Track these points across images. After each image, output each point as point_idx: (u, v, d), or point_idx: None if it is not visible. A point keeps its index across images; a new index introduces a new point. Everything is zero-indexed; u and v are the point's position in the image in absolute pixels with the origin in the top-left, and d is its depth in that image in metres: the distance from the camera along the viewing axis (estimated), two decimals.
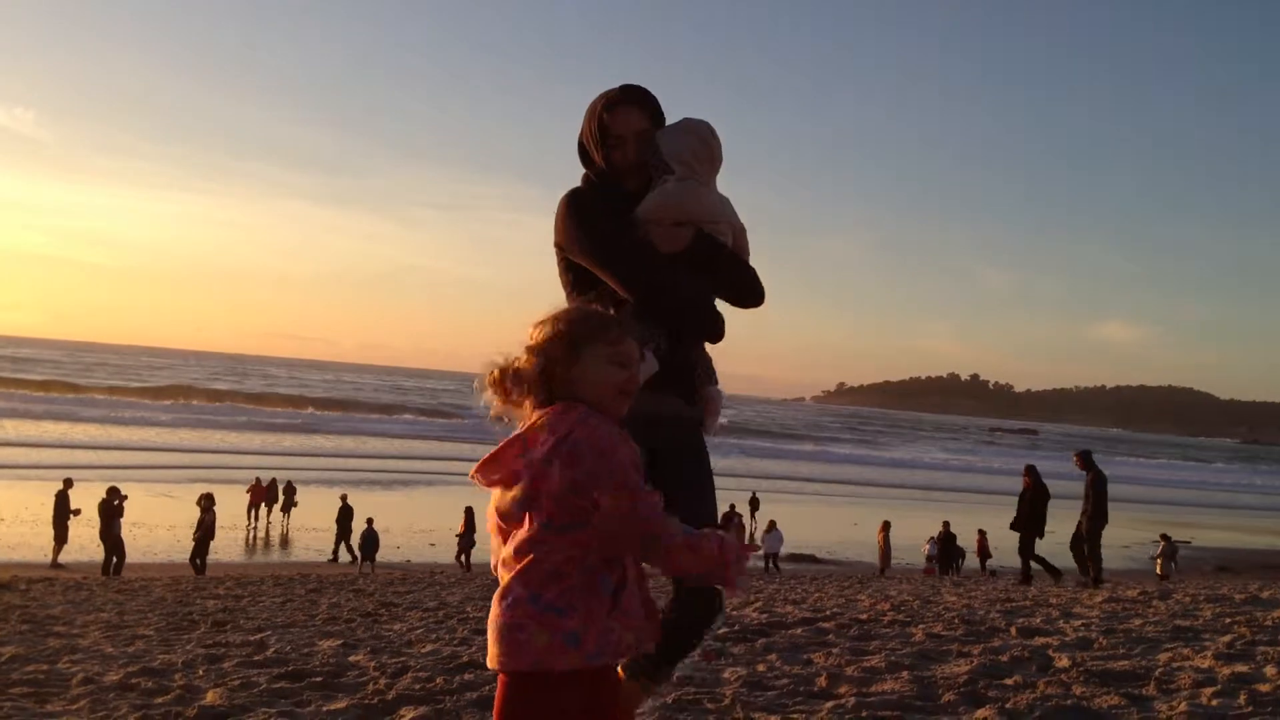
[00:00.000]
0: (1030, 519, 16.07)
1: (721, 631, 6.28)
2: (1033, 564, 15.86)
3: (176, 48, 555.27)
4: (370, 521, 20.40)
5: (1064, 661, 5.21)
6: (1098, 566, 14.95)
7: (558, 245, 3.12)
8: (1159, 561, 21.64)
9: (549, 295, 3.04)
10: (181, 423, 51.02)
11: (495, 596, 2.13)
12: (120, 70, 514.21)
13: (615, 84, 3.14)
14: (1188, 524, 40.18)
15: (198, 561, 18.04)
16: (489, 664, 2.11)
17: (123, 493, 18.56)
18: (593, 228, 3.04)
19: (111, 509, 17.95)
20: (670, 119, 3.18)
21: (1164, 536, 22.27)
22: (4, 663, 5.49)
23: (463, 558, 20.60)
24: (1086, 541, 15.30)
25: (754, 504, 29.63)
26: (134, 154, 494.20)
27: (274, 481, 25.06)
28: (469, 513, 20.81)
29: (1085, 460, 15.83)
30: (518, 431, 2.14)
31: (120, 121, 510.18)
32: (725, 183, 3.21)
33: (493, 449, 2.15)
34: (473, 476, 2.18)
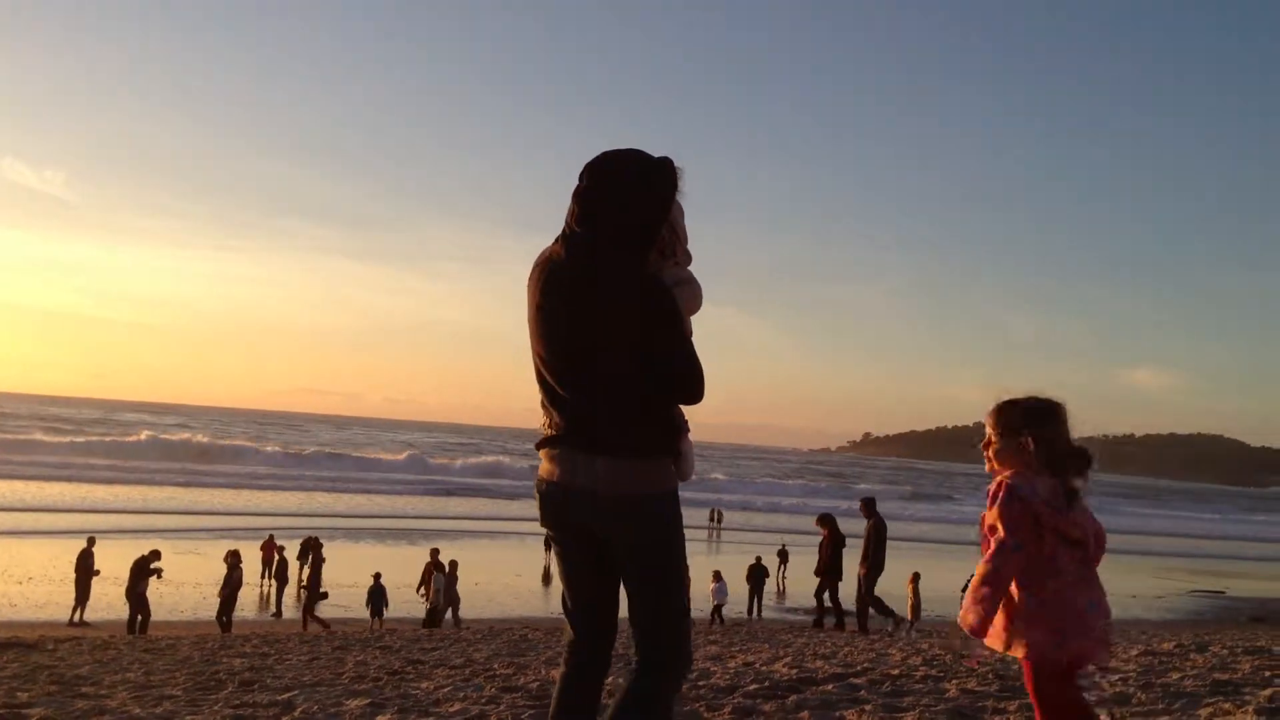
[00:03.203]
0: (831, 566, 17.14)
1: (752, 688, 6.20)
2: (828, 606, 17.15)
3: (205, 105, 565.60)
4: (377, 576, 20.22)
5: (1103, 718, 5.11)
6: (874, 611, 16.04)
7: (632, 327, 2.93)
8: None
9: None
10: (209, 481, 51.28)
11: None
12: (149, 129, 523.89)
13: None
14: (1221, 574, 39.64)
15: (224, 619, 18.04)
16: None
17: (160, 556, 18.70)
18: (682, 322, 3.00)
19: (144, 569, 18.05)
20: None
21: None
22: None
23: (310, 616, 19.38)
24: (862, 588, 16.13)
25: (783, 556, 29.39)
26: (165, 212, 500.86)
27: (307, 539, 25.07)
28: (315, 563, 20.78)
29: (868, 507, 16.58)
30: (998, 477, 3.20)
31: (150, 180, 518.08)
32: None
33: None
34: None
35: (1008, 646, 3.15)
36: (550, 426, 3.05)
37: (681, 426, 3.05)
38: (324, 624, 18.72)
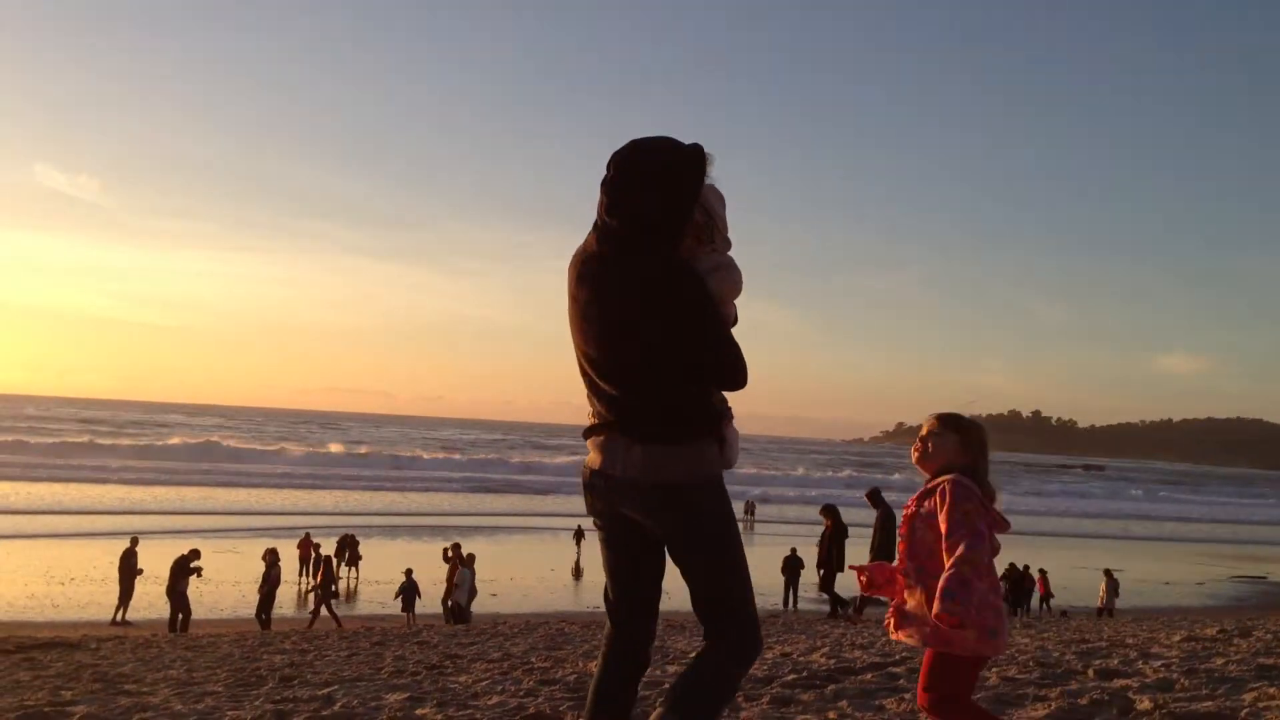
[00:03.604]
0: (835, 557, 17.44)
1: (790, 678, 6.18)
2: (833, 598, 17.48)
3: (234, 111, 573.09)
4: (409, 573, 20.32)
5: (1146, 704, 5.05)
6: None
7: (662, 315, 2.92)
8: (1102, 596, 23.01)
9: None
10: (246, 480, 51.74)
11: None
12: (178, 134, 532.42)
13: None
14: (1264, 559, 39.18)
15: (263, 616, 18.19)
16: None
17: (200, 555, 18.89)
18: (718, 309, 2.99)
19: (184, 567, 18.24)
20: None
21: (1106, 571, 23.79)
22: None
23: (317, 611, 19.42)
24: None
25: None
26: (193, 216, 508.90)
27: (344, 537, 25.28)
28: (329, 559, 20.82)
29: (874, 498, 16.89)
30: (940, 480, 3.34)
31: (179, 185, 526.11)
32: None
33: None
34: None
35: (933, 642, 3.23)
36: (594, 416, 3.07)
37: (724, 413, 3.04)
38: (314, 618, 18.93)
